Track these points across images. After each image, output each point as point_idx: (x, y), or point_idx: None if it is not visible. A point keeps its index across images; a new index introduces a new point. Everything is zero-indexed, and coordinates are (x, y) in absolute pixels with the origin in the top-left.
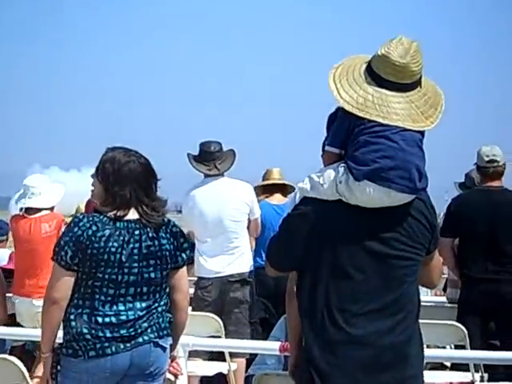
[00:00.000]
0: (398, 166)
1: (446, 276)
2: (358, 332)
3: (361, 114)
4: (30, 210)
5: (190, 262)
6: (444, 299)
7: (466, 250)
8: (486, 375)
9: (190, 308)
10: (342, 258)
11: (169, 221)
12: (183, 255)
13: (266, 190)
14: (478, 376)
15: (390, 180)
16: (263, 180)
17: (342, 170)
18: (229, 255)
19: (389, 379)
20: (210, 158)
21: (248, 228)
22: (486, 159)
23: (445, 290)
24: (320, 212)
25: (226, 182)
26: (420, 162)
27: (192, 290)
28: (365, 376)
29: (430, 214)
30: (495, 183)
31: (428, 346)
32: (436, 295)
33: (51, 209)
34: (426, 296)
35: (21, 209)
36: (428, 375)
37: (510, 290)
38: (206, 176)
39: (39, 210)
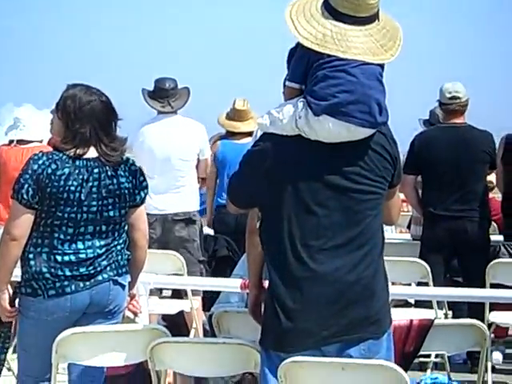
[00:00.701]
0: (358, 100)
1: (410, 213)
2: (323, 268)
3: (320, 50)
4: (20, 142)
5: None
6: (408, 236)
7: (430, 187)
8: (450, 312)
9: None
10: (303, 193)
11: (127, 159)
12: (142, 193)
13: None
14: (441, 313)
15: (349, 114)
16: (231, 112)
17: (301, 104)
18: (174, 193)
19: (355, 315)
20: (165, 95)
21: (197, 168)
22: (448, 96)
23: (409, 227)
24: (280, 148)
25: (178, 120)
26: (380, 95)
27: None
28: (331, 312)
29: (392, 147)
30: (458, 120)
31: (393, 283)
32: (401, 233)
33: (40, 141)
34: (390, 233)
35: (11, 141)
36: (391, 312)
37: (474, 226)
38: (160, 113)
39: (29, 142)
